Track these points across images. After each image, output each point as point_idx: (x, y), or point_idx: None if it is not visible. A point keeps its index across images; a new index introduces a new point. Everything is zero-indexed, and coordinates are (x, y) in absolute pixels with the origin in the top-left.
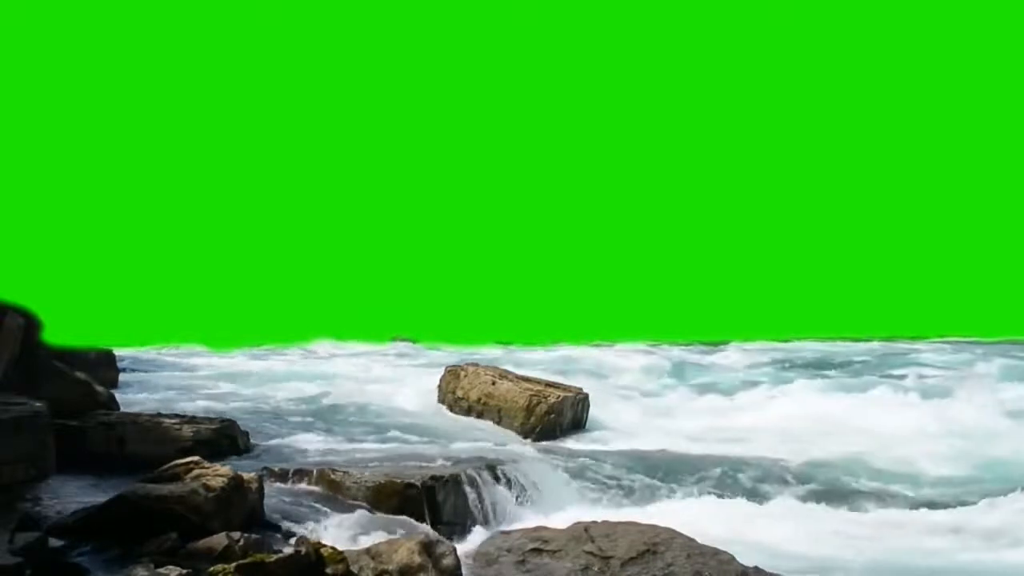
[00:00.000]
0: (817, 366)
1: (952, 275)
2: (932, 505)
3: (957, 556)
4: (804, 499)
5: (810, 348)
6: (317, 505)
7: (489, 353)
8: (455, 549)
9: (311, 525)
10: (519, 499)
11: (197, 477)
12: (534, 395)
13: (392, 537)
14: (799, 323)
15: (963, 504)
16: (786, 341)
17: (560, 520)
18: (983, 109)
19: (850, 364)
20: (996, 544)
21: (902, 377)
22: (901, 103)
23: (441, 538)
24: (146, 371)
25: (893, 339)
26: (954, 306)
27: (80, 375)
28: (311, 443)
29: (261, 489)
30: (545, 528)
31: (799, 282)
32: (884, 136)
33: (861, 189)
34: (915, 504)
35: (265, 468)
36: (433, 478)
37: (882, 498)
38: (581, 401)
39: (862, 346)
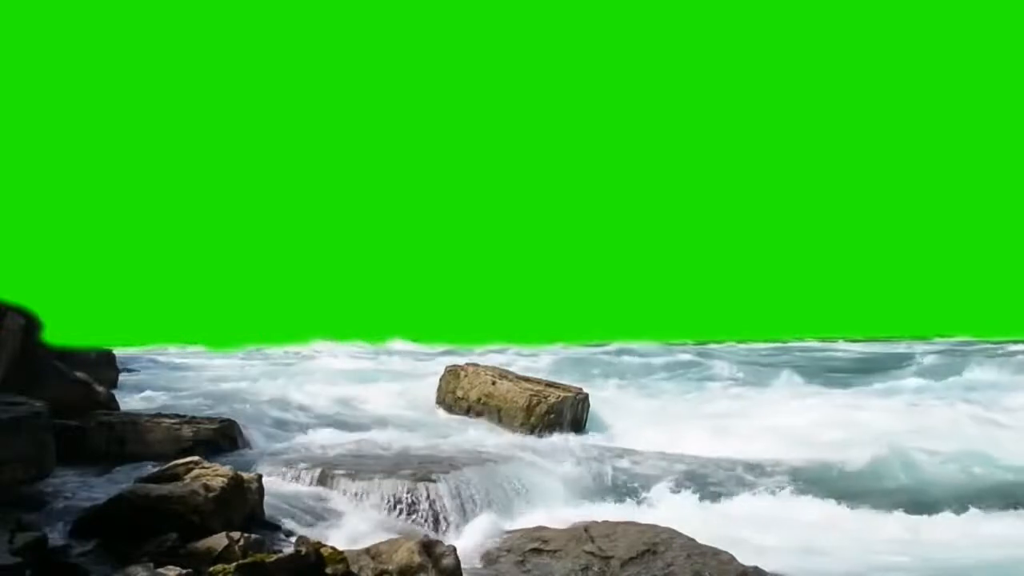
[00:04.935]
0: (817, 366)
1: (952, 275)
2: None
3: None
4: (804, 500)
5: (810, 348)
6: (317, 505)
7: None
8: (455, 549)
9: (311, 525)
10: (519, 499)
11: (197, 477)
12: (534, 395)
13: (392, 537)
14: (799, 323)
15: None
16: (785, 342)
17: (560, 520)
18: (983, 109)
19: (851, 364)
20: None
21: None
22: (901, 103)
23: (440, 538)
24: (146, 371)
25: (893, 339)
26: (954, 306)
27: (80, 375)
28: (311, 443)
29: (261, 489)
30: (545, 528)
31: (799, 282)
32: (884, 136)
33: (862, 190)
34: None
35: (265, 468)
36: (433, 478)
37: (877, 498)
38: (581, 401)
39: (862, 346)
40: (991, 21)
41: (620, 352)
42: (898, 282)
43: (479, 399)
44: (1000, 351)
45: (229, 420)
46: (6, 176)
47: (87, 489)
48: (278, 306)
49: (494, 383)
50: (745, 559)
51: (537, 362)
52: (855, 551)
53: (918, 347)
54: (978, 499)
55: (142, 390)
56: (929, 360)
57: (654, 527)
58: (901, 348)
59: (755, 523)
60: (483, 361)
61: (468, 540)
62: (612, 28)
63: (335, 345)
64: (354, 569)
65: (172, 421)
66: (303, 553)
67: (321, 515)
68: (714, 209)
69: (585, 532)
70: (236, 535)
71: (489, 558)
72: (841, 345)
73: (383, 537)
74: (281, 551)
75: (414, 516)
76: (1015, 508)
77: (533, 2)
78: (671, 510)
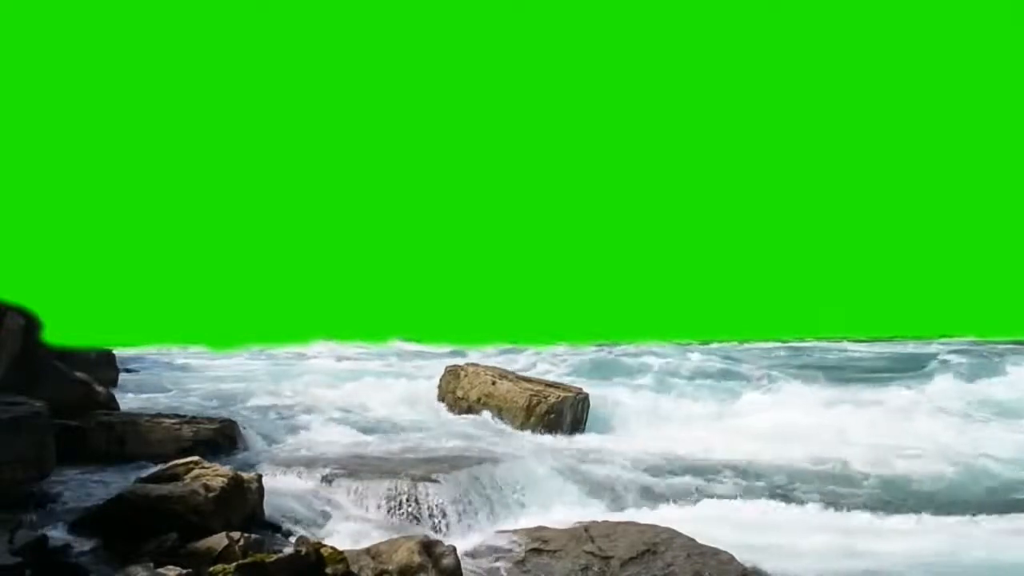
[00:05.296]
0: (818, 367)
1: (955, 275)
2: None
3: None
4: (804, 500)
5: (812, 348)
6: (317, 505)
7: None
8: (455, 549)
9: (311, 525)
10: (519, 499)
11: (197, 477)
12: (534, 395)
13: (392, 537)
14: (801, 323)
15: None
16: (786, 341)
17: (560, 520)
18: (985, 110)
19: (851, 365)
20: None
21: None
22: (903, 104)
23: (440, 538)
24: (146, 371)
25: (895, 339)
26: (956, 306)
27: (80, 375)
28: (311, 443)
29: (261, 489)
30: (545, 528)
31: (800, 282)
32: (888, 136)
33: (864, 189)
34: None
35: (265, 468)
36: (433, 478)
37: (875, 501)
38: (581, 401)
39: (868, 347)
40: (993, 21)
41: (641, 353)
42: (902, 283)
43: (479, 399)
44: None
45: (229, 420)
46: (6, 176)
47: (87, 489)
48: (279, 306)
49: (494, 383)
50: (745, 559)
51: (557, 366)
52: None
53: (933, 347)
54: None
55: (142, 390)
56: (957, 359)
57: (654, 527)
58: (910, 348)
59: (756, 522)
60: (508, 363)
61: (468, 540)
62: (613, 27)
63: (336, 345)
64: (354, 569)
65: (172, 421)
66: (303, 553)
67: (321, 515)
68: (716, 209)
69: (585, 532)
70: (236, 535)
71: (489, 558)
72: (847, 345)
73: (383, 537)
74: (281, 551)
75: (414, 516)
76: None
77: (533, 2)
78: (672, 510)
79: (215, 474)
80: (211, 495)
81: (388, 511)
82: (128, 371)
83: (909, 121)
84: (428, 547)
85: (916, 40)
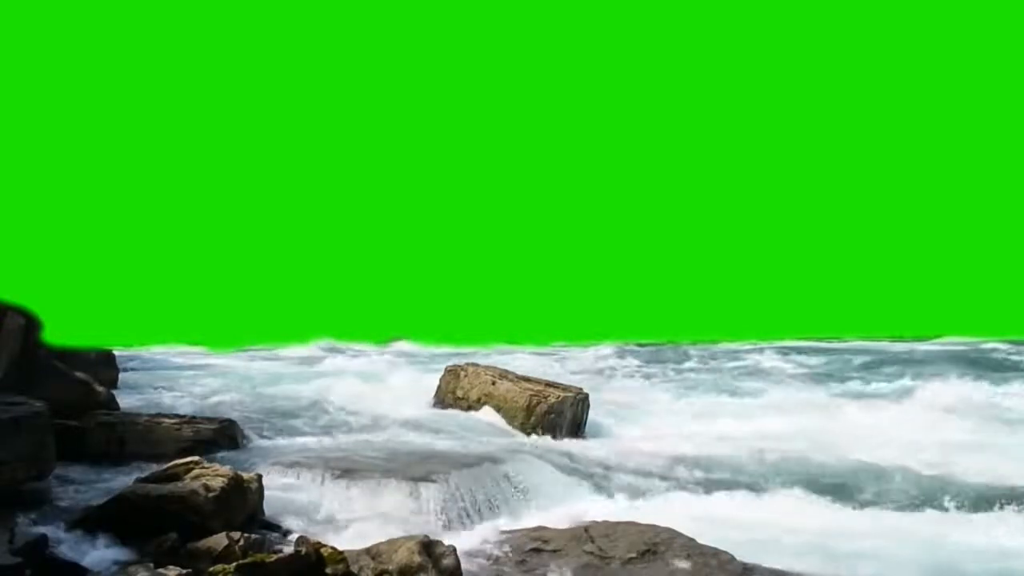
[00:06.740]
0: (816, 366)
1: (955, 275)
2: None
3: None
4: (803, 497)
5: (811, 348)
6: (317, 505)
7: None
8: (455, 549)
9: (311, 525)
10: (519, 499)
11: (197, 477)
12: (534, 395)
13: (392, 537)
14: (800, 323)
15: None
16: (784, 341)
17: (560, 520)
18: (986, 110)
19: (849, 364)
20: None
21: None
22: (902, 104)
23: (440, 538)
24: (146, 371)
25: (896, 339)
26: (956, 306)
27: (80, 375)
28: (311, 443)
29: (261, 489)
30: (545, 528)
31: (800, 281)
32: (887, 135)
33: (862, 188)
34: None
35: (265, 468)
36: (433, 478)
37: (876, 495)
38: (581, 401)
39: (862, 345)
40: (991, 21)
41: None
42: (901, 283)
43: (479, 399)
44: None
45: (229, 420)
46: (6, 176)
47: (87, 489)
48: (281, 307)
49: (494, 383)
50: (744, 558)
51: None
52: (857, 549)
53: (989, 345)
54: None
55: (142, 390)
56: None
57: (654, 527)
58: (953, 345)
59: (756, 521)
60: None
61: (468, 540)
62: (620, 28)
63: (338, 345)
64: (354, 569)
65: (172, 421)
66: (303, 553)
67: (321, 515)
68: (718, 211)
69: (585, 532)
70: (236, 535)
71: (489, 558)
72: (873, 344)
73: (383, 537)
74: (281, 551)
75: (414, 516)
76: None
77: (533, 3)
78: (672, 509)
79: (215, 474)
80: (211, 495)
81: (388, 511)
82: (128, 371)
83: (923, 125)
84: (428, 547)
85: (921, 42)
